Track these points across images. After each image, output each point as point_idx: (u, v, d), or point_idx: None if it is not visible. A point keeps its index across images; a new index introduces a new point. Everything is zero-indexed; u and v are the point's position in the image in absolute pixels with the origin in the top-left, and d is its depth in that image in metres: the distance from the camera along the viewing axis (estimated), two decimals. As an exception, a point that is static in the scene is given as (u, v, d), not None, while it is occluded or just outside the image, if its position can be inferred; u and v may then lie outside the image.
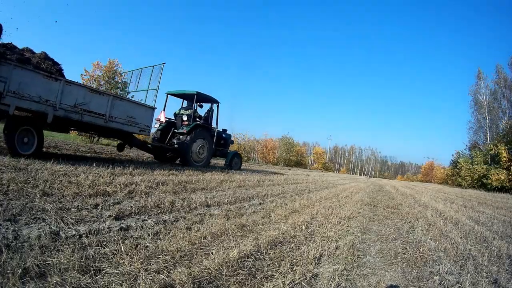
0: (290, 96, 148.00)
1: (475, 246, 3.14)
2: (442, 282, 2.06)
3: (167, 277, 1.60)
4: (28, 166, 3.96)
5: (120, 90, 18.49)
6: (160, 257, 1.84)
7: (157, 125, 9.27)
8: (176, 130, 9.22)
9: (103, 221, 2.43)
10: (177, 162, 9.74)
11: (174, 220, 2.80)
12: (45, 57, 5.58)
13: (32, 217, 2.19)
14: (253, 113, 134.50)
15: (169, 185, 4.43)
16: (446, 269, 2.26)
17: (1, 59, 4.43)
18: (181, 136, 8.86)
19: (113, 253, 1.82)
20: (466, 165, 28.84)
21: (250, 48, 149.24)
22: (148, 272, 1.63)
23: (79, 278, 1.46)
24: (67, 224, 2.18)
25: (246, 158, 37.99)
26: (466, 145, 34.48)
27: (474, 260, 2.64)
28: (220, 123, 10.67)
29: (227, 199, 4.15)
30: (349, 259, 2.34)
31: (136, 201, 3.25)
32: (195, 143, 8.96)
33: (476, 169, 27.54)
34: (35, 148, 5.19)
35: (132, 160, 8.56)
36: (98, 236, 2.09)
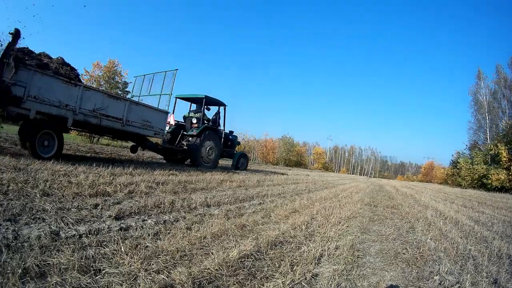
0: (290, 96, 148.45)
1: (475, 246, 3.14)
2: (442, 282, 2.06)
3: (167, 277, 1.60)
4: (28, 166, 3.95)
5: (120, 90, 18.52)
6: (160, 257, 1.84)
7: (167, 128, 9.40)
8: (185, 133, 9.44)
9: (103, 221, 2.43)
10: (186, 162, 9.92)
11: (174, 220, 2.80)
12: (62, 62, 5.64)
13: (32, 217, 2.19)
14: (253, 113, 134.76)
15: (169, 185, 4.43)
16: (446, 269, 2.26)
17: (20, 64, 4.49)
18: (190, 138, 9.07)
19: (113, 253, 1.82)
20: (466, 165, 28.80)
21: (250, 48, 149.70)
22: (148, 272, 1.63)
23: (79, 278, 1.46)
24: (67, 224, 2.18)
25: (246, 158, 37.89)
26: (466, 145, 34.49)
27: (474, 260, 2.65)
28: (226, 124, 10.83)
29: (227, 199, 4.15)
30: (349, 259, 2.34)
31: (136, 201, 3.25)
32: (205, 144, 9.17)
33: (476, 169, 27.49)
34: (56, 151, 5.34)
35: (132, 160, 8.56)
36: (98, 236, 2.09)
